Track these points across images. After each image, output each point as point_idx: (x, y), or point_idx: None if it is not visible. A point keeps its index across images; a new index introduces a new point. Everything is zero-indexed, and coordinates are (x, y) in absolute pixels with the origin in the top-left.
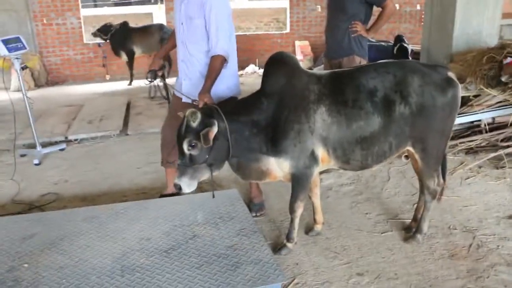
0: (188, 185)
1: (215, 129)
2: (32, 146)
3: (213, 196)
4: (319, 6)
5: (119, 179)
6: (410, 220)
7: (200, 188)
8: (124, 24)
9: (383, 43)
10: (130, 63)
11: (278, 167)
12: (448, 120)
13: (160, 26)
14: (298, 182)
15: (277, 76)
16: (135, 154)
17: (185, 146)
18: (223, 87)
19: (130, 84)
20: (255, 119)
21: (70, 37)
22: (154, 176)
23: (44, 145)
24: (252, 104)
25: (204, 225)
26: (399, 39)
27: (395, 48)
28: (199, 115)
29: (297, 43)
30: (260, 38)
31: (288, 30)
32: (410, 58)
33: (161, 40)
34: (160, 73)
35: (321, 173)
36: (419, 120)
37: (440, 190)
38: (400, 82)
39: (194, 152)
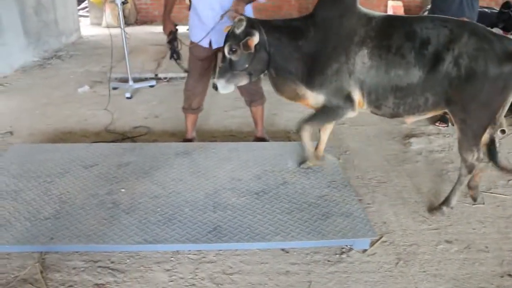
0: (223, 86)
1: (255, 39)
2: (124, 80)
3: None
4: None
5: (207, 119)
6: (504, 195)
7: (289, 138)
8: None
9: (486, 9)
10: None
11: (313, 99)
12: (498, 97)
13: None
14: (324, 112)
15: (329, 10)
16: (222, 98)
17: (226, 50)
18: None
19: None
20: (300, 44)
21: None
22: (241, 120)
23: (135, 80)
24: (299, 29)
25: (294, 173)
26: (507, 6)
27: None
28: (244, 23)
29: (389, 3)
30: None
31: None
32: None
33: None
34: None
35: (411, 137)
36: (465, 86)
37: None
38: (454, 40)
39: (234, 58)
